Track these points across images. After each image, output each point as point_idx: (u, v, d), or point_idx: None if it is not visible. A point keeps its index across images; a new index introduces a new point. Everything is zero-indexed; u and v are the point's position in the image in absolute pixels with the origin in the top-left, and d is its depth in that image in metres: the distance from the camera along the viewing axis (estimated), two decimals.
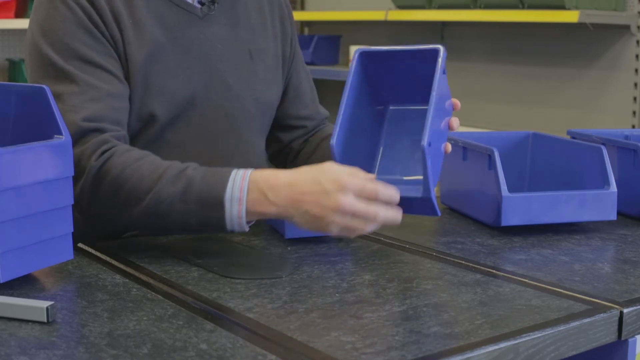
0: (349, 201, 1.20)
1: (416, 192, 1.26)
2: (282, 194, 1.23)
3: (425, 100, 1.29)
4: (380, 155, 1.39)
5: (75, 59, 1.37)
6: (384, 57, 1.36)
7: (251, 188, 1.25)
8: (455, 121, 1.37)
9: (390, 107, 1.41)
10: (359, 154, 1.35)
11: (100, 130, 1.34)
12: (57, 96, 1.33)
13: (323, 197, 1.21)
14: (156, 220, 1.30)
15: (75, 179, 1.26)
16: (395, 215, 1.24)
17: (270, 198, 1.24)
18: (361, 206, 1.21)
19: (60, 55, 1.37)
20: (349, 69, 1.34)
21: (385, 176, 1.36)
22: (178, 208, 1.27)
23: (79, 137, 1.31)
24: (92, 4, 1.39)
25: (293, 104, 1.68)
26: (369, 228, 1.23)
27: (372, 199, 1.22)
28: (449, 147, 1.37)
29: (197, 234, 1.32)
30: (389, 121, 1.41)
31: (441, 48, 1.29)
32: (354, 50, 3.96)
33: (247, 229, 1.27)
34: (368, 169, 1.36)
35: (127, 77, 1.42)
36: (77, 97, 1.35)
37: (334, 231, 1.23)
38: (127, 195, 1.29)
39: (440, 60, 1.28)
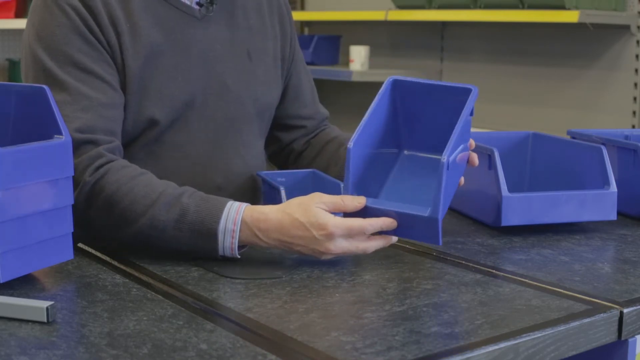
0: (337, 246, 1.24)
1: (422, 212, 1.22)
2: (272, 237, 1.26)
3: (442, 141, 1.28)
4: (389, 179, 1.40)
5: (69, 65, 1.36)
6: (415, 88, 1.36)
7: (242, 228, 1.26)
8: (475, 156, 1.39)
9: (405, 152, 1.42)
10: (372, 164, 1.34)
11: (94, 143, 1.34)
12: None
13: (312, 242, 1.24)
14: (148, 242, 1.31)
15: None
16: (386, 241, 1.27)
17: (261, 238, 1.26)
18: (350, 247, 1.24)
19: (54, 61, 1.36)
20: (378, 93, 1.34)
21: (392, 192, 1.36)
22: (171, 234, 1.28)
23: (72, 149, 1.30)
24: (89, 9, 1.37)
25: (293, 103, 1.68)
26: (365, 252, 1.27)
27: (362, 237, 1.25)
28: (462, 180, 1.39)
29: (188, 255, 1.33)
30: (404, 154, 1.42)
31: (474, 88, 1.31)
32: (354, 50, 3.97)
33: (238, 256, 1.29)
34: (378, 181, 1.37)
35: (124, 82, 1.41)
36: (69, 106, 1.34)
37: (328, 258, 1.27)
38: (120, 215, 1.30)
39: (470, 97, 1.30)
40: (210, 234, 1.27)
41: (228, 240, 1.27)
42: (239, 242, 1.27)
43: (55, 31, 1.36)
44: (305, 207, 1.24)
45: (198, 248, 1.29)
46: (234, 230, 1.26)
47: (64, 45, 1.36)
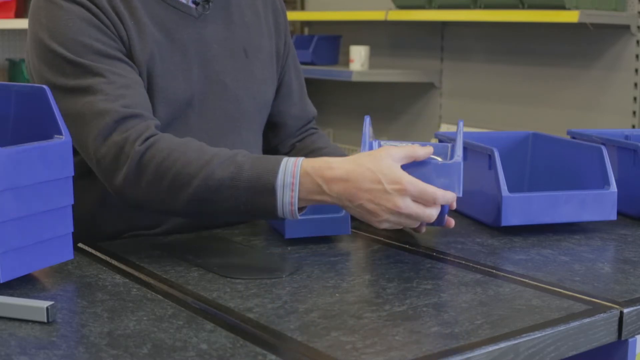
0: (407, 205, 1.20)
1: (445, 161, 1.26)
2: (337, 188, 1.21)
3: None
4: None
5: (92, 53, 1.35)
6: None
7: (303, 178, 1.22)
8: (451, 221, 1.38)
9: None
10: None
11: (140, 116, 1.32)
12: (87, 89, 1.31)
13: (381, 196, 1.19)
14: (204, 206, 1.27)
15: (119, 166, 1.26)
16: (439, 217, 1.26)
17: (324, 189, 1.21)
18: (417, 210, 1.21)
19: (74, 52, 1.34)
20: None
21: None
22: (227, 194, 1.24)
23: (119, 123, 1.28)
24: (96, 5, 1.38)
25: (284, 100, 1.68)
26: (416, 225, 1.25)
27: (430, 204, 1.22)
28: (452, 222, 1.38)
29: (245, 220, 1.28)
30: None
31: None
32: (354, 50, 3.97)
33: (298, 217, 1.24)
34: None
35: None
36: (108, 86, 1.32)
37: (382, 226, 1.24)
38: (173, 180, 1.26)
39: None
40: (267, 188, 1.22)
41: (287, 194, 1.22)
42: (299, 197, 1.22)
43: (68, 24, 1.35)
44: (377, 157, 1.20)
45: (256, 206, 1.24)
46: (293, 184, 1.22)
47: (81, 36, 1.35)
